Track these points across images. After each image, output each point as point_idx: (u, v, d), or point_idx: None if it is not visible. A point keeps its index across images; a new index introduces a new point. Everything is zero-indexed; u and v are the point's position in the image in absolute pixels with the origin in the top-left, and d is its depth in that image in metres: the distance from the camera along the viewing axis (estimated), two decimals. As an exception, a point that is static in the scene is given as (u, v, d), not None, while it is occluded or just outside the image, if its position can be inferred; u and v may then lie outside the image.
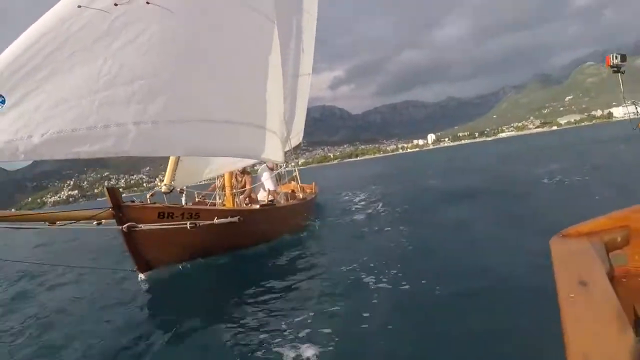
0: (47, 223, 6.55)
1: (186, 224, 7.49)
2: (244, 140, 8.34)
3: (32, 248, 11.80)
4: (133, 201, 7.64)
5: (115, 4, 6.68)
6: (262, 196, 11.89)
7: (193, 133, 7.19)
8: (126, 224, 7.05)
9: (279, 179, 13.56)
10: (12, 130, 5.67)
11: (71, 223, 6.75)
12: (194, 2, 7.60)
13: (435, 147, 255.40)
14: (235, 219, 8.15)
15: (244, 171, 11.70)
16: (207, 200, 12.06)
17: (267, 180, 11.95)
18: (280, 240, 9.63)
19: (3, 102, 5.74)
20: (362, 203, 15.61)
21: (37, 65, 6.05)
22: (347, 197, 18.59)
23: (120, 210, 7.12)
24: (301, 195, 13.55)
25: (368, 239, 8.95)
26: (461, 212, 10.63)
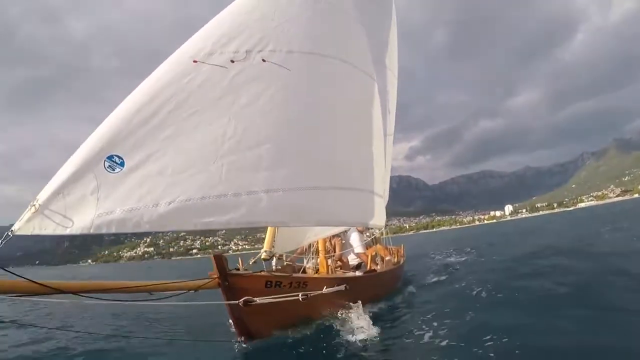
0: (148, 294, 6.26)
1: (298, 295, 7.21)
2: (361, 207, 8.19)
3: (112, 317, 11.46)
4: (237, 269, 7.51)
5: (232, 61, 6.58)
6: (352, 259, 12.21)
7: (322, 201, 7.02)
8: (242, 299, 6.78)
9: (373, 242, 14.16)
10: (135, 197, 5.44)
11: (168, 297, 6.33)
12: (306, 59, 7.42)
13: (513, 218, 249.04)
14: (342, 287, 8.18)
15: (334, 234, 11.80)
16: (297, 264, 11.94)
17: (356, 243, 12.04)
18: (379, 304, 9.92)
19: (122, 164, 5.51)
20: (450, 268, 16.22)
21: (159, 125, 5.89)
22: (432, 261, 19.51)
23: (226, 279, 6.86)
24: (390, 258, 13.68)
25: (467, 305, 8.82)
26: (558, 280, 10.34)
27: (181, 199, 5.58)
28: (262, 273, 7.70)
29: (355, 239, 12.07)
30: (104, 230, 5.28)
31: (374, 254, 13.08)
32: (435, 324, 7.62)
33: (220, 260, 6.89)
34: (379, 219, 8.66)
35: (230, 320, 7.40)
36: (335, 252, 11.74)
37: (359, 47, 8.94)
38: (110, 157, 5.46)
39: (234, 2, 7.34)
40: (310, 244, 12.04)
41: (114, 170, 5.42)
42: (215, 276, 6.85)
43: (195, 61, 6.37)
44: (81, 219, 5.24)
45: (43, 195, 5.24)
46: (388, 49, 13.14)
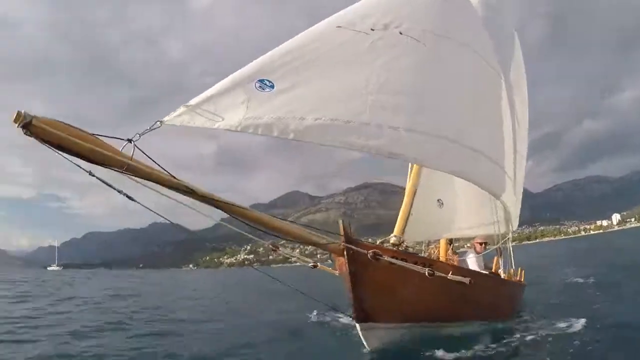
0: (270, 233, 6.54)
1: (424, 270, 7.15)
2: (495, 178, 8.34)
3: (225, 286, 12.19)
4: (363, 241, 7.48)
5: (372, 29, 7.46)
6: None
7: (460, 154, 7.40)
8: (371, 250, 7.00)
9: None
10: (284, 110, 6.06)
11: (293, 246, 6.84)
12: (440, 41, 8.20)
13: (621, 228, 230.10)
14: (467, 279, 7.73)
15: (453, 251, 12.24)
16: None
17: (472, 262, 11.93)
18: (504, 324, 9.47)
19: (272, 86, 6.15)
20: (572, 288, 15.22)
21: (305, 64, 6.64)
22: (548, 280, 18.07)
23: (352, 244, 7.01)
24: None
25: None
26: None
27: (327, 117, 6.18)
28: (389, 248, 7.83)
29: (472, 262, 11.90)
30: (250, 130, 5.75)
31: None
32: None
33: (347, 227, 7.04)
34: (507, 197, 8.86)
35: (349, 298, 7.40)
36: (454, 260, 11.76)
37: (489, 45, 9.79)
38: (261, 80, 6.21)
39: None
40: (431, 249, 12.37)
41: (263, 90, 6.14)
42: (343, 240, 7.02)
43: (339, 26, 7.35)
44: (230, 118, 5.78)
45: (195, 100, 5.86)
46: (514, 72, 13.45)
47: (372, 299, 7.23)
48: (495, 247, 13.58)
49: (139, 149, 5.01)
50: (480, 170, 7.96)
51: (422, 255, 11.85)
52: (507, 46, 13.23)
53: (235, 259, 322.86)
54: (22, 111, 4.09)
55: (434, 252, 12.33)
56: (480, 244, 12.10)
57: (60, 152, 4.43)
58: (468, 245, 13.13)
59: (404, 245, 9.91)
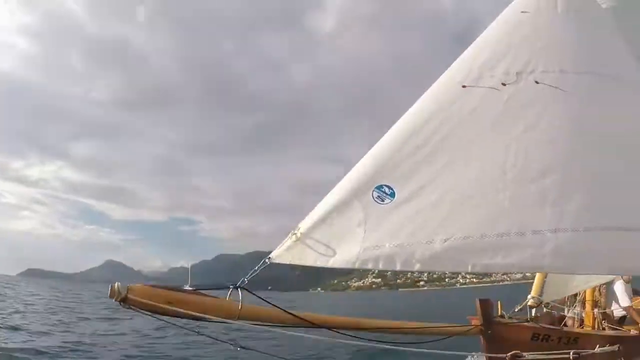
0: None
1: (569, 354, 6.44)
2: None
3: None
4: (502, 316, 7.17)
5: (503, 84, 6.01)
6: (615, 310, 10.70)
7: (619, 244, 5.76)
8: (510, 353, 6.09)
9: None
10: (406, 232, 4.96)
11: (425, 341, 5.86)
12: (582, 80, 6.55)
13: None
14: (615, 347, 7.23)
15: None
16: (554, 312, 11.14)
17: (621, 293, 10.49)
18: None
19: (392, 195, 5.11)
20: None
21: (431, 153, 5.44)
22: None
23: (490, 327, 6.44)
24: None
25: None
26: None
27: (458, 237, 5.01)
28: (530, 324, 7.26)
29: (620, 289, 10.61)
30: (369, 266, 4.91)
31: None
32: None
33: (486, 306, 6.54)
34: None
35: None
36: (601, 302, 10.69)
37: (632, 66, 7.67)
38: (379, 187, 5.13)
39: (490, 26, 7.10)
40: (581, 294, 10.97)
41: (383, 201, 5.07)
42: (479, 323, 6.48)
43: (464, 86, 6.01)
44: (346, 251, 4.94)
45: (306, 224, 5.06)
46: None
47: None
48: None
49: (249, 291, 4.55)
50: None
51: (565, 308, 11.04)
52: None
53: (363, 283, 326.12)
54: (116, 285, 3.90)
55: (580, 294, 10.87)
56: None
57: (162, 318, 4.23)
58: None
59: (542, 306, 9.74)
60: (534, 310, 9.46)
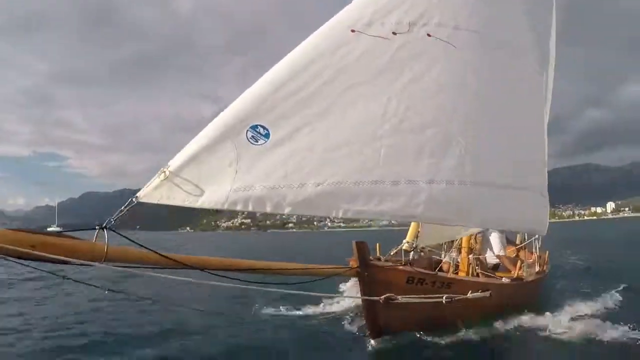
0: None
1: (442, 297, 6.93)
2: (529, 210, 7.54)
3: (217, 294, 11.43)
4: (379, 259, 7.55)
5: (394, 33, 6.06)
6: (490, 258, 11.39)
7: (490, 200, 6.37)
8: (383, 296, 6.60)
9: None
10: (279, 174, 5.02)
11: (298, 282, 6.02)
12: (473, 38, 6.80)
13: (614, 216, 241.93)
14: (487, 293, 7.68)
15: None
16: (434, 257, 11.66)
17: (496, 243, 11.33)
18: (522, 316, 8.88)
19: (267, 135, 5.08)
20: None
21: (310, 96, 5.42)
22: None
23: (366, 270, 6.64)
24: (531, 262, 12.26)
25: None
26: None
27: (332, 181, 5.12)
28: (405, 267, 7.48)
29: (495, 238, 11.37)
30: (239, 207, 4.98)
31: (514, 256, 12.44)
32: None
33: (362, 248, 6.65)
34: (542, 224, 8.09)
35: (362, 314, 7.32)
36: (476, 249, 11.07)
37: (526, 37, 8.19)
38: (254, 127, 5.09)
39: None
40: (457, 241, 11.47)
41: (257, 141, 5.04)
42: (355, 265, 6.63)
43: (353, 30, 5.94)
44: (215, 192, 4.92)
45: (175, 162, 4.95)
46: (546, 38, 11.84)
47: (390, 323, 7.07)
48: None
49: (116, 232, 4.51)
50: (528, 214, 7.46)
51: (442, 253, 11.63)
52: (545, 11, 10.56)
53: (232, 223, 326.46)
54: None
55: (457, 241, 11.39)
56: None
57: (22, 262, 4.06)
58: None
59: (418, 250, 10.04)
60: (411, 254, 10.00)
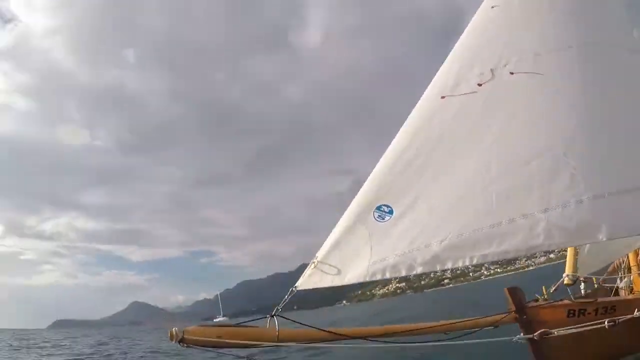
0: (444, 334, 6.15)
1: (604, 322, 6.32)
2: None
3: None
4: (536, 300, 7.16)
5: (479, 84, 6.55)
6: None
7: (607, 210, 5.88)
8: (538, 332, 6.28)
9: None
10: (407, 241, 5.71)
11: (465, 334, 6.24)
12: (556, 57, 6.82)
13: None
14: None
15: None
16: (608, 285, 10.47)
17: None
18: None
19: (391, 212, 5.90)
20: None
21: (421, 167, 6.16)
22: None
23: (524, 313, 6.59)
24: None
25: None
26: None
27: (453, 235, 5.63)
28: (564, 301, 7.16)
29: None
30: (378, 277, 5.65)
31: None
32: None
33: (515, 293, 6.71)
34: None
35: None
36: None
37: (610, 20, 7.86)
38: (379, 207, 5.94)
39: (466, 29, 7.50)
40: (621, 260, 10.68)
41: (383, 219, 5.87)
42: (512, 310, 6.65)
43: (443, 97, 6.59)
44: (356, 268, 5.70)
45: (322, 252, 5.92)
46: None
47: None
48: None
49: (283, 317, 5.23)
50: None
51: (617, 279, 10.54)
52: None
53: (387, 289, 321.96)
54: (174, 330, 4.52)
55: (624, 262, 10.53)
56: None
57: (216, 350, 4.87)
58: None
59: (582, 279, 9.32)
60: (582, 288, 9.53)
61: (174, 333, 4.56)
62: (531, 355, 6.68)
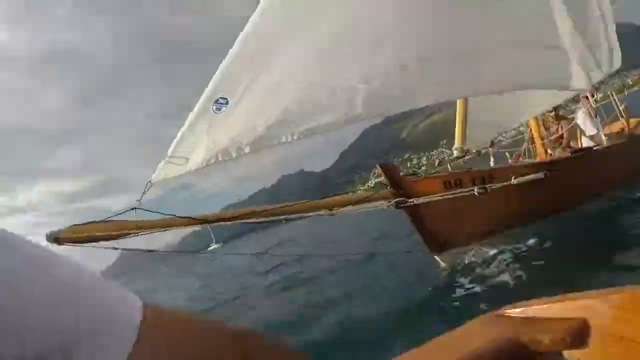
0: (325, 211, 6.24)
1: (473, 190, 6.48)
2: (529, 66, 6.74)
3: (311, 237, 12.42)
4: (415, 174, 6.95)
5: None
6: (587, 144, 9.73)
7: (447, 69, 6.09)
8: (394, 200, 6.44)
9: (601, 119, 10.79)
10: (239, 126, 5.88)
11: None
12: None
13: None
14: (540, 174, 6.78)
15: (557, 116, 9.87)
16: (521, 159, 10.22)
17: (584, 123, 9.81)
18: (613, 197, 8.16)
19: (227, 103, 5.97)
20: None
21: (255, 57, 6.20)
22: None
23: (399, 187, 6.59)
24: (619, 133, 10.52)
25: None
26: None
27: (278, 113, 5.81)
28: (439, 173, 7.11)
29: (583, 118, 9.82)
30: (212, 161, 5.82)
31: (617, 131, 10.65)
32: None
33: (388, 170, 6.66)
34: (567, 78, 6.99)
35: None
36: (563, 138, 9.75)
37: None
38: (216, 101, 5.98)
39: None
40: (523, 132, 10.45)
41: (220, 110, 5.93)
42: (388, 185, 6.61)
43: None
44: (197, 156, 5.86)
45: (171, 148, 6.03)
46: None
47: (438, 230, 6.86)
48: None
49: (145, 209, 5.51)
50: (518, 70, 6.63)
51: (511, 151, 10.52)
52: None
53: (367, 185, 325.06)
54: (49, 232, 4.79)
55: (528, 133, 10.32)
56: (586, 97, 9.79)
57: (88, 245, 5.04)
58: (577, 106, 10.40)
59: (473, 152, 9.27)
60: (492, 162, 9.49)
61: (49, 234, 4.77)
62: (415, 229, 6.86)
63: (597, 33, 7.73)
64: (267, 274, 13.69)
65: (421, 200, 6.46)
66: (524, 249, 6.90)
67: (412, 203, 6.48)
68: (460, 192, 6.52)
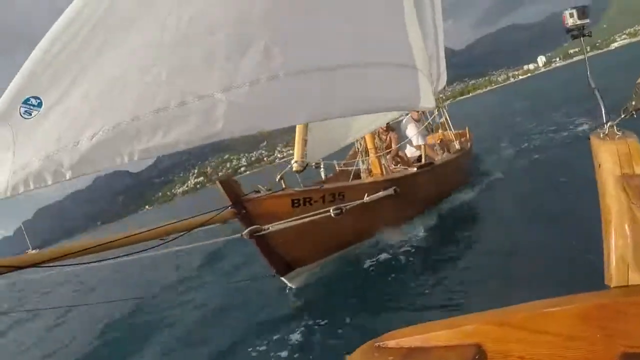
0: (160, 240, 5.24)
1: (329, 211, 6.07)
2: (382, 87, 5.79)
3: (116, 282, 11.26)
4: (258, 191, 6.18)
5: None
6: (411, 153, 10.51)
7: (312, 88, 4.91)
8: (248, 229, 5.76)
9: (429, 130, 12.07)
10: (54, 139, 4.28)
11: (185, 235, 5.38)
12: None
13: (547, 69, 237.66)
14: (391, 190, 6.85)
15: (387, 127, 9.97)
16: (351, 169, 9.95)
17: (413, 134, 10.06)
18: (447, 203, 8.60)
19: (40, 105, 4.44)
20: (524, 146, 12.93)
21: (81, 44, 4.56)
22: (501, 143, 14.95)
23: (242, 207, 5.82)
24: (457, 145, 11.09)
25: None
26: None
27: (107, 128, 4.27)
28: (287, 190, 6.46)
29: (412, 129, 10.16)
30: (21, 190, 4.21)
31: (436, 142, 11.39)
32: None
33: (229, 186, 5.83)
34: (424, 99, 6.38)
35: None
36: (392, 148, 9.89)
37: None
38: (25, 101, 4.50)
39: None
40: (363, 144, 10.18)
41: (30, 114, 4.42)
42: (228, 205, 5.84)
43: None
44: None
45: None
46: None
47: (287, 253, 6.35)
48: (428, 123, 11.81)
49: None
50: (387, 91, 5.80)
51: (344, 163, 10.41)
52: None
53: (187, 186, 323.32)
54: None
55: (361, 144, 10.08)
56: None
57: None
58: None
59: (313, 166, 9.08)
60: (322, 173, 9.45)
61: None
62: (258, 251, 6.17)
63: (435, 50, 7.87)
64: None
65: (277, 226, 5.86)
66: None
67: (267, 230, 5.84)
68: (318, 214, 6.07)
